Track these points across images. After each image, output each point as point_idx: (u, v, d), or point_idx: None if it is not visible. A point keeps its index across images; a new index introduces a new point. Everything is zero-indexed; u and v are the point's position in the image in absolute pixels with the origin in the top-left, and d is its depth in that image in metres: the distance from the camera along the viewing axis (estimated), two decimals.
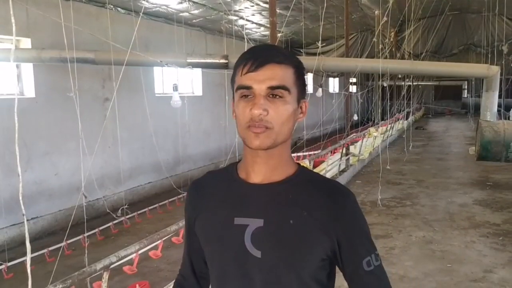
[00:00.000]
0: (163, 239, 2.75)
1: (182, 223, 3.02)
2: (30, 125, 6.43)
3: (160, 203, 7.51)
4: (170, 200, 7.64)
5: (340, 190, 1.04)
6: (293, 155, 7.45)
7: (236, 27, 9.89)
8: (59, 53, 5.59)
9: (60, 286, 1.97)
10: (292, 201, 1.01)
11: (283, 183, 1.03)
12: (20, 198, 1.69)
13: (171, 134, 9.50)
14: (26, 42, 6.37)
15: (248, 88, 0.97)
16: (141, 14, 4.05)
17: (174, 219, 5.69)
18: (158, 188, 8.93)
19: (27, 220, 6.33)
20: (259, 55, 0.98)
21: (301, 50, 12.23)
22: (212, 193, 1.10)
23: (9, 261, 4.99)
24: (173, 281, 1.28)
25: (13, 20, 1.69)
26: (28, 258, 1.64)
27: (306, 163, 6.11)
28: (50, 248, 5.41)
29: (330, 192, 1.02)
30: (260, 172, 1.04)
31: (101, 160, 7.44)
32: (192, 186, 1.16)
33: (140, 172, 8.72)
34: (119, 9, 7.98)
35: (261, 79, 0.96)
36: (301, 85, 1.03)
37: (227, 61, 5.74)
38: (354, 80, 19.73)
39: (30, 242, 5.61)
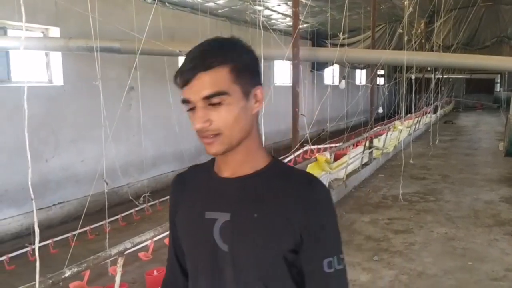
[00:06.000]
0: None
1: None
2: (58, 112, 6.61)
3: None
4: None
5: (310, 184, 1.01)
6: (313, 147, 7.42)
7: (262, 18, 9.85)
8: (85, 42, 5.71)
9: (75, 269, 2.04)
10: (258, 195, 1.00)
11: (252, 176, 1.03)
12: (29, 185, 1.75)
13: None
14: (55, 31, 6.53)
15: (188, 101, 0.96)
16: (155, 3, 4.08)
17: None
18: None
19: (54, 204, 6.56)
20: (187, 65, 0.95)
21: (327, 41, 12.09)
22: (192, 187, 1.11)
23: (34, 244, 5.16)
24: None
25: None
26: (36, 246, 1.70)
27: (326, 155, 6.08)
28: (74, 232, 5.57)
29: (299, 185, 1.00)
30: (229, 166, 1.04)
31: (125, 148, 7.60)
32: (175, 179, 1.17)
33: (163, 161, 8.85)
34: None
35: (195, 91, 0.94)
36: (246, 77, 0.97)
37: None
38: (381, 72, 19.38)
39: (57, 226, 5.78)
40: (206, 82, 0.93)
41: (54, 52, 6.56)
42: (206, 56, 0.95)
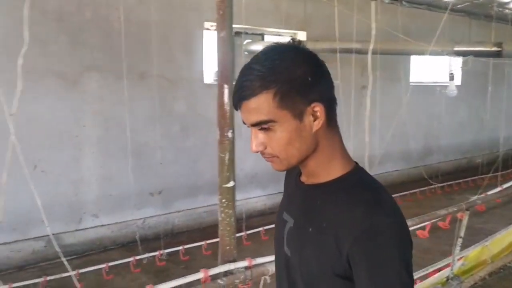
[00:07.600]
0: (432, 221, 2.89)
1: (451, 208, 3.06)
2: None
3: (411, 191, 7.65)
4: (421, 189, 7.76)
5: (370, 209, 0.88)
6: None
7: (508, 11, 8.89)
8: (330, 44, 6.21)
9: None
10: (318, 209, 0.96)
11: (318, 186, 0.99)
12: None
13: (422, 123, 9.32)
14: (302, 35, 7.27)
15: (245, 123, 0.95)
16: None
17: (421, 208, 5.67)
18: (405, 177, 8.92)
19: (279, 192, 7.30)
20: (234, 92, 0.93)
21: None
22: (288, 182, 1.16)
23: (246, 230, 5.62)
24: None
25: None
26: None
27: None
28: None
29: (357, 208, 0.89)
30: (304, 172, 1.03)
31: (353, 144, 7.85)
32: (285, 175, 1.19)
33: (388, 159, 8.87)
34: None
35: (244, 117, 0.93)
36: (295, 98, 0.90)
37: (500, 49, 5.32)
38: None
39: (254, 217, 6.15)
40: (251, 111, 0.91)
41: None
42: (247, 84, 0.90)
